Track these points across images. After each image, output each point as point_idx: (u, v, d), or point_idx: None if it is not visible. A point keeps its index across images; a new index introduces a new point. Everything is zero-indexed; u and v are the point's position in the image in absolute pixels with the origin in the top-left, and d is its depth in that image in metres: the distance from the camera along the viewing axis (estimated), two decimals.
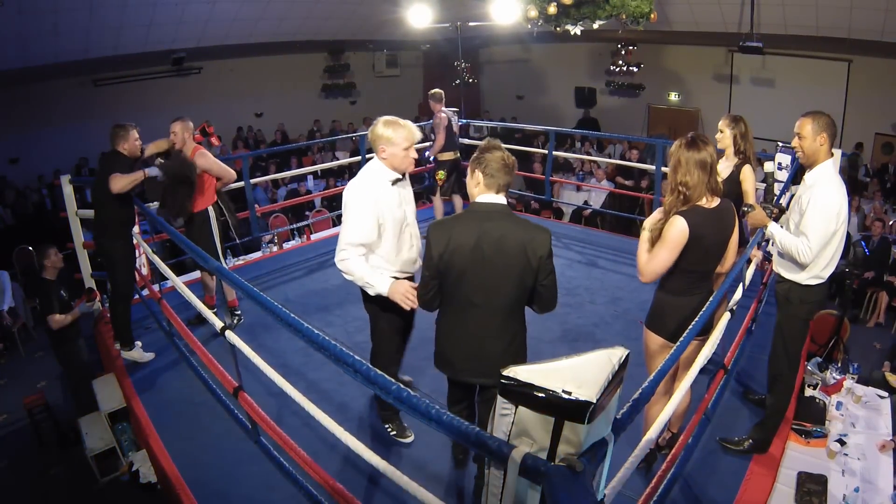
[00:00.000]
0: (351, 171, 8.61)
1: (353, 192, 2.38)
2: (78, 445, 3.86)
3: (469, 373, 2.13)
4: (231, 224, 3.96)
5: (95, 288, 4.25)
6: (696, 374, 2.02)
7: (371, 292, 2.37)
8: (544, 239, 1.98)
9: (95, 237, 3.61)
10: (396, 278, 2.41)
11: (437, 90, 5.67)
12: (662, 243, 2.12)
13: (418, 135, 2.41)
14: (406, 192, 2.51)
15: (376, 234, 2.37)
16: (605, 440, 1.16)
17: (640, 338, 2.42)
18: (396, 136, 2.32)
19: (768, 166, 3.62)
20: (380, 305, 2.46)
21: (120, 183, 3.29)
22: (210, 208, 3.74)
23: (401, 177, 2.44)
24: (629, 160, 8.41)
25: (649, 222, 2.24)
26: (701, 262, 2.18)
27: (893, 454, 2.79)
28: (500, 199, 2.00)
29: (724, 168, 3.04)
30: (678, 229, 2.07)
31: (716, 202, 2.16)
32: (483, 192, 1.99)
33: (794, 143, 2.45)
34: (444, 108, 5.55)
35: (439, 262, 1.98)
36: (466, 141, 6.49)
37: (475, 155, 2.00)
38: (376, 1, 9.73)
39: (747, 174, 2.97)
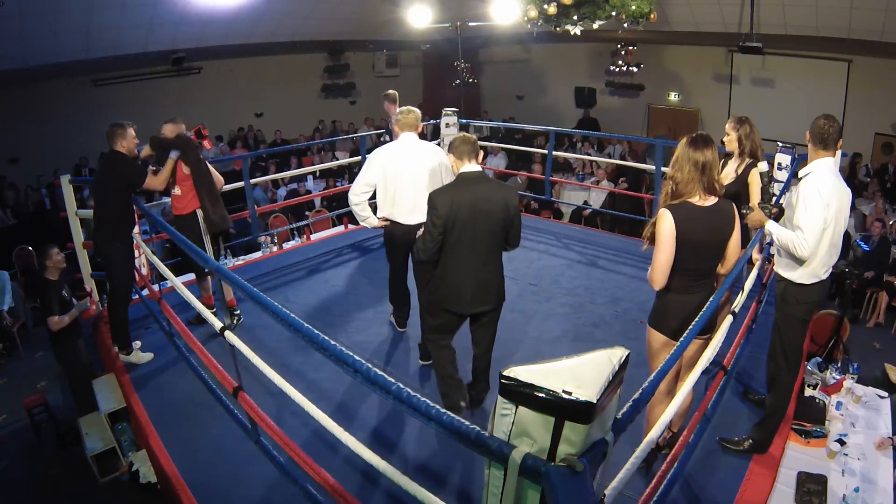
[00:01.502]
0: (351, 170, 8.61)
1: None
2: (78, 445, 3.86)
3: (477, 304, 2.68)
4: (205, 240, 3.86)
5: (95, 288, 4.26)
6: (698, 374, 2.02)
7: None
8: (514, 194, 2.68)
9: (95, 238, 3.60)
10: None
11: (391, 91, 5.24)
12: (656, 245, 2.17)
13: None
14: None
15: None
16: (606, 440, 1.16)
17: (640, 338, 2.42)
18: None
19: (763, 166, 3.63)
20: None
21: (157, 180, 3.49)
22: (198, 210, 3.71)
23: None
24: (628, 161, 8.41)
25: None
26: (693, 259, 2.19)
27: (893, 453, 2.79)
28: (475, 166, 2.62)
29: (732, 169, 3.04)
30: (664, 223, 2.13)
31: (711, 201, 2.17)
32: (460, 165, 2.62)
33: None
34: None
35: (447, 219, 2.51)
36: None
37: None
38: (376, 1, 9.74)
39: (755, 176, 2.97)
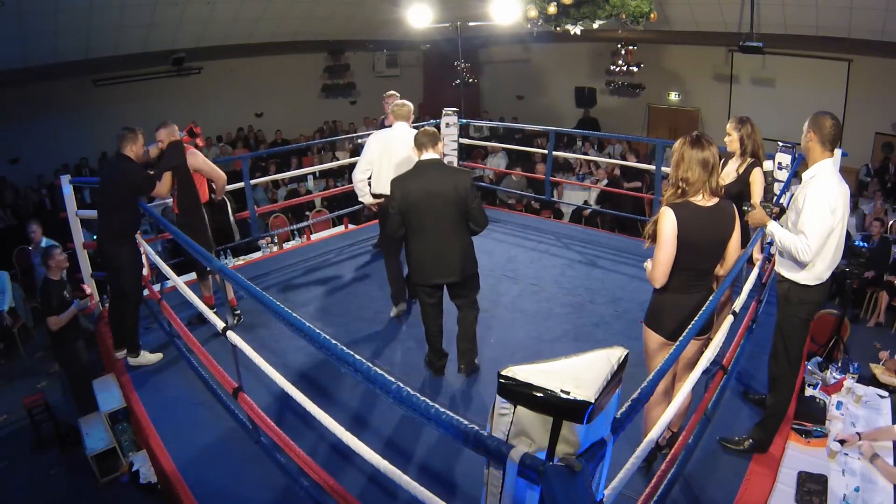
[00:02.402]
0: (351, 171, 8.59)
1: None
2: (78, 445, 3.86)
3: (435, 276, 3.01)
4: (233, 223, 3.98)
5: (96, 288, 4.25)
6: (698, 376, 2.02)
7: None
8: (465, 177, 2.94)
9: (101, 243, 3.57)
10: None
11: (393, 91, 5.04)
12: (658, 243, 2.17)
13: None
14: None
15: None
16: (605, 440, 1.16)
17: (640, 338, 2.42)
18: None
19: (767, 165, 3.62)
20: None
21: (165, 186, 3.54)
22: (203, 208, 3.75)
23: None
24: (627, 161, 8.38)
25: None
26: (692, 259, 2.18)
27: (893, 453, 2.78)
28: (433, 154, 2.97)
29: (734, 169, 3.04)
30: (667, 221, 2.13)
31: (713, 201, 2.17)
32: (420, 154, 2.98)
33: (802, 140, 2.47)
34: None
35: (401, 202, 2.90)
36: (465, 141, 6.48)
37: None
38: (376, 1, 9.74)
39: (757, 176, 2.97)
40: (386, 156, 3.78)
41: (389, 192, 2.97)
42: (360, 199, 3.96)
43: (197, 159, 3.68)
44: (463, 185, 2.88)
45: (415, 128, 3.65)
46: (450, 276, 3.01)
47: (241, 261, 5.33)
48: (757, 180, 2.97)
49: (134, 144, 3.39)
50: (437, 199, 2.87)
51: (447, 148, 6.04)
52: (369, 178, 3.88)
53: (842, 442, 2.77)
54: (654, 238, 2.22)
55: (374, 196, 3.90)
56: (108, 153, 9.53)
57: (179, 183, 3.64)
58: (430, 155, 2.96)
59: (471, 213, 2.92)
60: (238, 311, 4.04)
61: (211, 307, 3.98)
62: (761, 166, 3.01)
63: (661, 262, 2.17)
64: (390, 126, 3.94)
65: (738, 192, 2.90)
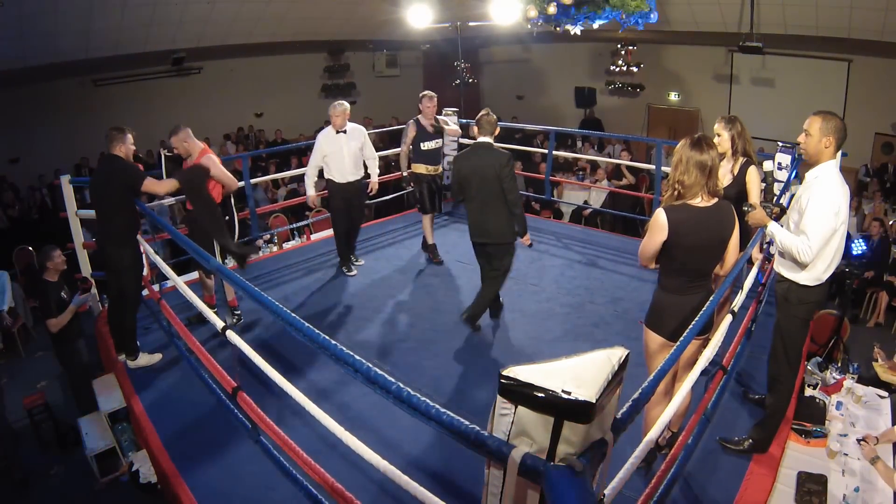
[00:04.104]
0: None
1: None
2: (78, 445, 3.86)
3: (475, 236, 3.65)
4: (236, 224, 3.96)
5: (97, 289, 4.25)
6: (697, 375, 2.02)
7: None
8: (502, 157, 3.45)
9: (102, 245, 3.56)
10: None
11: (429, 92, 5.02)
12: (647, 231, 2.25)
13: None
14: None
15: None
16: (605, 440, 1.16)
17: (640, 338, 2.42)
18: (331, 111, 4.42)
19: (767, 165, 3.61)
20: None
21: (163, 187, 3.55)
22: (217, 206, 3.73)
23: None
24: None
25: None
26: (689, 259, 2.19)
27: (893, 452, 2.78)
28: (487, 139, 3.52)
29: (728, 170, 3.02)
30: (656, 220, 2.17)
31: (712, 202, 2.17)
32: (477, 136, 3.55)
33: (801, 138, 2.45)
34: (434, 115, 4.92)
35: (457, 175, 3.56)
36: (466, 141, 6.47)
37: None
38: (376, 1, 9.74)
39: (753, 175, 2.96)
40: (333, 152, 4.48)
41: (453, 167, 3.77)
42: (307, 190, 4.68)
43: (215, 168, 3.63)
44: (499, 163, 3.42)
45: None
46: (484, 238, 3.59)
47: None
48: (753, 179, 2.96)
49: (123, 145, 3.37)
50: (482, 175, 3.45)
51: (447, 148, 6.04)
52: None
53: (860, 440, 2.76)
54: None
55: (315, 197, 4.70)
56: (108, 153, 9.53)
57: (193, 190, 3.63)
58: (484, 138, 3.52)
59: (505, 188, 3.43)
60: (238, 312, 4.04)
61: (212, 307, 3.99)
62: (755, 164, 2.99)
63: (644, 245, 2.25)
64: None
65: (737, 194, 2.89)
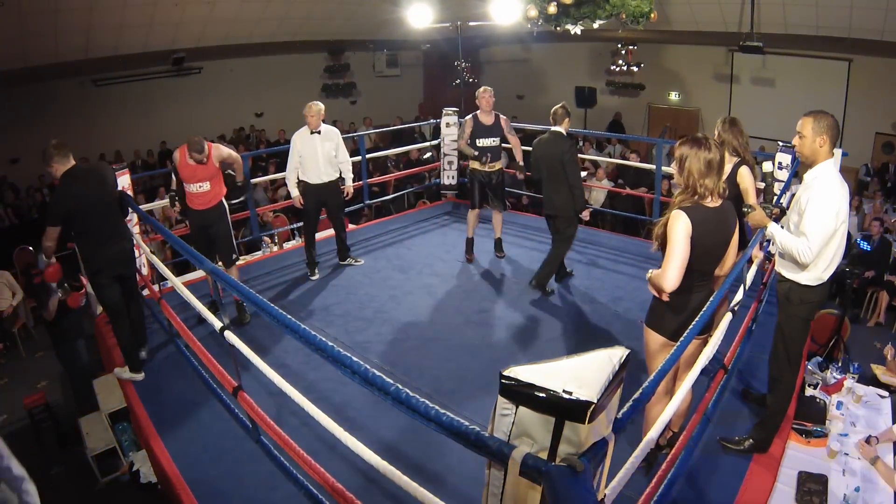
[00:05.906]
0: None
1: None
2: (78, 445, 3.86)
3: (545, 210, 4.26)
4: (245, 186, 4.28)
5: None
6: (697, 374, 2.01)
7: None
8: (565, 143, 4.00)
9: (121, 246, 3.40)
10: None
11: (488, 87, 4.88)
12: (672, 246, 2.09)
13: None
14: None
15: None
16: (606, 440, 1.16)
17: (640, 338, 2.42)
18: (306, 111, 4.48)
19: (767, 166, 3.61)
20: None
21: (46, 239, 3.18)
22: (223, 200, 3.90)
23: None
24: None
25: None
26: (701, 260, 2.17)
27: (893, 453, 2.78)
28: (558, 128, 4.06)
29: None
30: (680, 224, 2.07)
31: (718, 202, 2.16)
32: (553, 125, 4.08)
33: (795, 141, 2.45)
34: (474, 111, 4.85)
35: (534, 159, 4.19)
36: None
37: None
38: (376, 1, 9.73)
39: (744, 174, 2.95)
40: (308, 153, 4.57)
41: (532, 150, 4.24)
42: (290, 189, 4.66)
43: (222, 151, 3.84)
44: (562, 150, 3.95)
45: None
46: (551, 210, 4.17)
47: (241, 261, 5.32)
48: (746, 179, 2.95)
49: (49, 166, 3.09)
50: (549, 158, 4.00)
51: (447, 148, 6.04)
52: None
53: (868, 440, 2.75)
54: (662, 241, 2.17)
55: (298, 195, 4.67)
56: (108, 154, 9.54)
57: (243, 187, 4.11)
58: (556, 127, 4.05)
59: (567, 171, 3.95)
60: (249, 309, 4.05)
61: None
62: (747, 165, 2.99)
63: (675, 266, 2.08)
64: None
65: (736, 196, 2.89)
